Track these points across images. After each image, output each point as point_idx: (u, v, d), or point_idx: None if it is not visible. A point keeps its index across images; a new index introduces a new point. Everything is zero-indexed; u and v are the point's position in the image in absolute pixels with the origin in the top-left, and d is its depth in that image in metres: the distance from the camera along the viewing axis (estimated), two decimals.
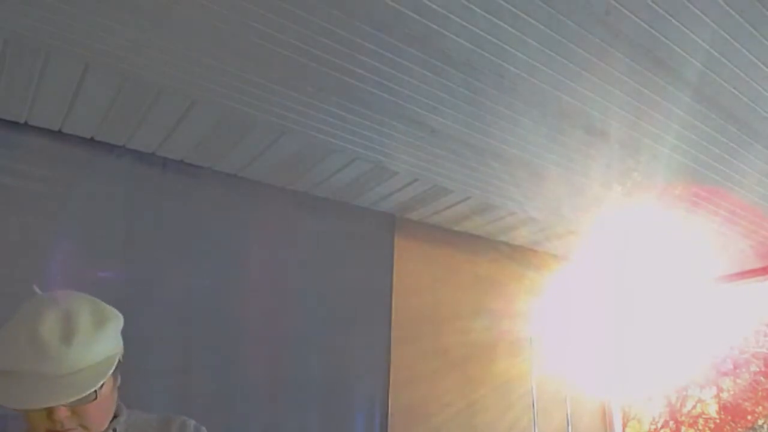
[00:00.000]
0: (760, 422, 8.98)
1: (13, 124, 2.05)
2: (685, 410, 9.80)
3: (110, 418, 1.19)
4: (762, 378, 9.19)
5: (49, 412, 1.06)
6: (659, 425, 9.83)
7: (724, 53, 1.64)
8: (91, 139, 2.19)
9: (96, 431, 1.14)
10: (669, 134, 2.08)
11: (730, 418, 9.26)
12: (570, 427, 3.34)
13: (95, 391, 1.07)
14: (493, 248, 3.30)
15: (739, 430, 9.11)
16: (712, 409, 9.58)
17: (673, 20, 1.51)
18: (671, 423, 9.76)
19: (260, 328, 2.45)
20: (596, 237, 3.20)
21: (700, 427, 9.62)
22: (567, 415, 3.34)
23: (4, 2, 1.47)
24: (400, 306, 2.86)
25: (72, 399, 1.04)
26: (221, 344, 2.33)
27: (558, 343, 3.40)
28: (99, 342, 1.09)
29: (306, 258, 2.65)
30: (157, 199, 2.33)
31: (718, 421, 9.43)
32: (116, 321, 1.16)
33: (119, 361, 1.16)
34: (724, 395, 9.49)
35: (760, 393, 9.17)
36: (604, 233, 3.13)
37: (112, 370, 1.10)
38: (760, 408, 9.07)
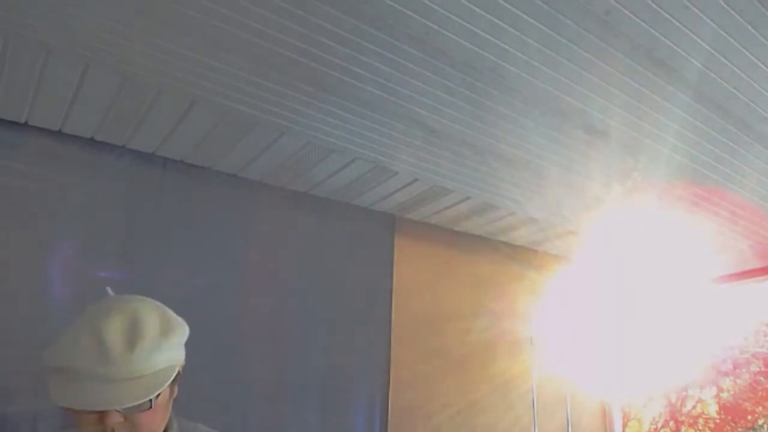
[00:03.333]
0: (760, 422, 8.99)
1: (13, 124, 2.05)
2: (685, 410, 9.81)
3: (162, 430, 1.16)
4: (762, 378, 9.19)
5: (102, 416, 1.04)
6: (659, 425, 9.83)
7: (724, 53, 1.64)
8: (91, 139, 2.19)
9: None
10: (669, 134, 2.08)
11: (730, 418, 9.26)
12: (570, 427, 3.34)
13: (150, 399, 1.05)
14: (493, 248, 3.30)
15: (739, 430, 9.11)
16: (712, 409, 9.59)
17: (673, 20, 1.51)
18: (671, 423, 9.76)
19: (260, 328, 2.44)
20: (596, 237, 3.20)
21: (700, 427, 9.62)
22: (567, 415, 3.34)
23: (4, 2, 1.47)
24: (400, 306, 2.86)
25: (127, 405, 1.03)
26: (221, 344, 2.33)
27: (558, 343, 3.40)
28: (162, 351, 1.08)
29: (306, 258, 2.65)
30: (157, 199, 2.33)
31: (718, 421, 9.43)
32: (181, 331, 1.15)
33: (179, 372, 1.14)
34: (724, 395, 9.49)
35: (760, 393, 9.17)
36: (604, 233, 3.13)
37: (170, 381, 1.09)
38: (760, 408, 9.07)
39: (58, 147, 2.13)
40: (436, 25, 1.54)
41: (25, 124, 2.07)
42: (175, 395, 1.18)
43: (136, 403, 1.04)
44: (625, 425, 8.84)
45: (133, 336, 1.06)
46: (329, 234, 2.74)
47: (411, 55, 1.67)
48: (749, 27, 1.54)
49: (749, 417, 9.11)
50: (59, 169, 2.15)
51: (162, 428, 1.16)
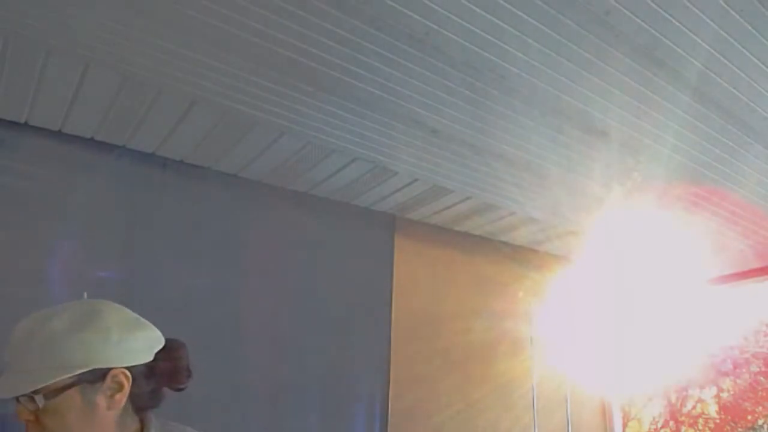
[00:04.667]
0: (760, 422, 8.98)
1: (13, 124, 2.05)
2: (685, 410, 9.80)
3: None
4: (762, 378, 9.19)
5: (17, 411, 1.04)
6: (659, 425, 9.83)
7: (724, 53, 1.64)
8: (91, 139, 2.19)
9: None
10: (669, 134, 2.08)
11: (730, 418, 9.26)
12: (570, 427, 3.34)
13: (31, 398, 0.99)
14: (493, 248, 3.30)
15: (739, 430, 9.11)
16: (712, 409, 9.58)
17: (673, 20, 1.51)
18: (671, 423, 9.76)
19: (260, 329, 2.45)
20: (596, 237, 3.20)
21: (700, 427, 9.62)
22: (567, 414, 3.34)
23: (4, 2, 1.47)
24: (400, 306, 2.86)
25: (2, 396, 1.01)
26: (221, 345, 2.33)
27: (558, 343, 3.40)
28: (54, 348, 1.01)
29: (306, 258, 2.65)
30: (157, 199, 2.33)
31: (718, 421, 9.43)
32: (95, 333, 1.05)
33: (102, 378, 1.05)
34: (724, 395, 9.48)
35: (760, 393, 9.17)
36: (604, 233, 3.13)
37: (52, 382, 1.00)
38: (760, 408, 9.07)
39: (58, 147, 2.13)
40: (436, 25, 1.54)
41: (25, 124, 2.07)
42: (117, 405, 1.08)
43: (9, 396, 1.00)
44: (625, 425, 8.84)
45: (33, 329, 1.04)
46: (329, 234, 2.74)
47: (411, 55, 1.67)
48: (749, 27, 1.54)
49: (749, 417, 9.11)
50: (59, 169, 2.15)
51: None
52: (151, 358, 1.13)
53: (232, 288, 2.41)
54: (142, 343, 1.13)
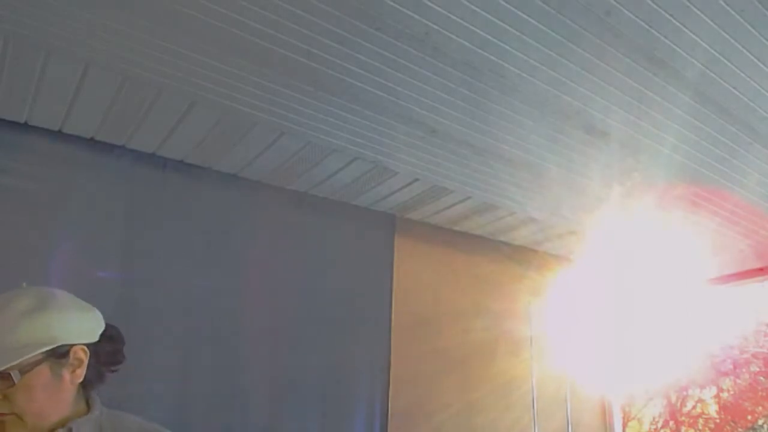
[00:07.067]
0: (760, 422, 8.98)
1: (13, 124, 2.05)
2: (685, 410, 9.81)
3: (56, 416, 1.14)
4: (762, 378, 9.20)
5: None
6: (659, 425, 9.84)
7: (724, 53, 1.64)
8: (91, 139, 2.19)
9: (31, 424, 1.10)
10: (669, 134, 2.08)
11: (730, 418, 9.26)
12: (570, 427, 3.34)
13: (5, 375, 1.05)
14: (493, 248, 3.30)
15: (739, 430, 9.11)
16: (712, 409, 9.59)
17: (673, 20, 1.51)
18: (671, 423, 9.76)
19: (260, 329, 2.45)
20: (596, 237, 3.20)
21: (700, 427, 9.63)
22: (567, 415, 3.34)
23: (4, 2, 1.47)
24: (400, 306, 2.86)
25: None
26: (221, 345, 2.33)
27: (558, 342, 3.40)
28: (22, 328, 1.09)
29: (306, 258, 2.65)
30: (157, 199, 2.33)
31: (718, 421, 9.44)
32: (57, 312, 1.14)
33: (72, 354, 1.13)
34: (724, 395, 9.49)
35: (760, 393, 9.17)
36: (605, 233, 3.13)
37: (26, 358, 1.07)
38: (760, 408, 9.07)
39: (58, 147, 2.13)
40: (436, 25, 1.54)
41: (25, 124, 2.07)
42: (77, 380, 1.15)
43: None
44: (625, 425, 8.85)
45: None
46: (329, 234, 2.75)
47: (411, 55, 1.67)
48: (749, 27, 1.54)
49: (749, 417, 9.11)
50: (59, 169, 2.15)
51: (55, 412, 1.14)
52: (96, 338, 1.20)
53: (232, 287, 2.41)
54: (91, 324, 1.20)
